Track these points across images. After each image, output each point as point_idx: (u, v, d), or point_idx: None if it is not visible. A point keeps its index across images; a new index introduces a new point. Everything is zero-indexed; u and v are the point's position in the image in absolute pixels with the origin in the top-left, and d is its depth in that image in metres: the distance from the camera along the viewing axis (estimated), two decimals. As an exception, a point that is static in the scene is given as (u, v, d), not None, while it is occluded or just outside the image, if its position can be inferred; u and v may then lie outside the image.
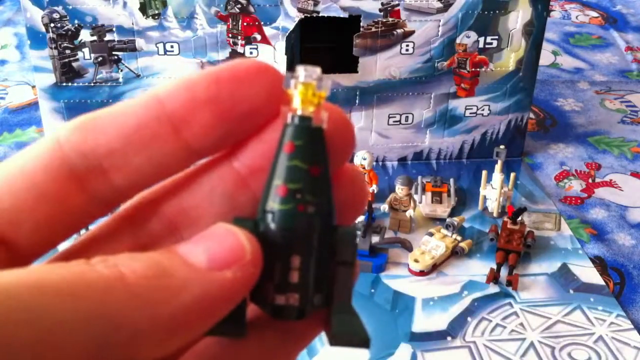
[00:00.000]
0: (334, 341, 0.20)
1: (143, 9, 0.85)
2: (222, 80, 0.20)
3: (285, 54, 0.88)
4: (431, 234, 0.82)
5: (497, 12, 0.89)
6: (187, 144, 0.20)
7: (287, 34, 0.87)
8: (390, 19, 0.88)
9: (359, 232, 0.81)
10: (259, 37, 0.88)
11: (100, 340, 0.16)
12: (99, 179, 0.20)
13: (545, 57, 1.29)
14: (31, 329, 0.15)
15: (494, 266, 0.79)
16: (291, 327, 0.22)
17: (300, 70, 0.21)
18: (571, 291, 0.77)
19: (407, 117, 0.95)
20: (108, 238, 0.22)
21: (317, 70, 0.21)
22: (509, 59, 0.93)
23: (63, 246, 0.21)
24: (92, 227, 0.22)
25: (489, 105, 0.96)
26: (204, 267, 0.18)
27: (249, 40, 0.88)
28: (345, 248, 0.21)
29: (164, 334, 0.17)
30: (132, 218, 0.22)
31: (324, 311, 0.21)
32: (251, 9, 0.86)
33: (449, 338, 0.71)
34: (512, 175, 0.88)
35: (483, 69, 0.93)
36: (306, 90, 0.21)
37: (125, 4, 0.85)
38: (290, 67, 0.89)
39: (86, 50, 0.88)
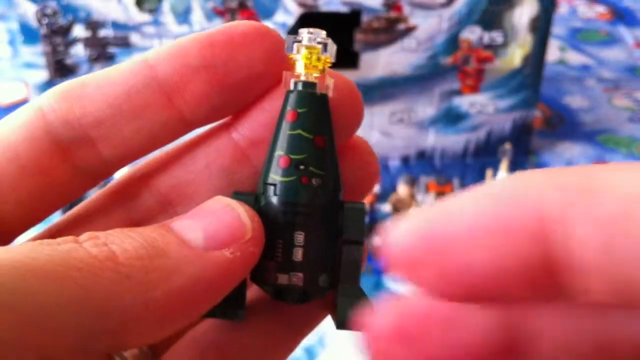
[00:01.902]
0: (340, 325, 0.19)
1: (138, 4, 0.84)
2: (217, 44, 0.19)
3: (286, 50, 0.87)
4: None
5: (503, 6, 0.88)
6: (180, 114, 0.19)
7: (288, 30, 0.86)
8: (392, 14, 0.86)
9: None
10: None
11: (87, 326, 0.15)
12: (86, 150, 0.19)
13: (552, 53, 1.27)
14: (14, 313, 0.14)
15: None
16: (294, 311, 0.21)
17: (304, 33, 0.20)
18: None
19: (409, 115, 0.94)
20: (99, 213, 0.21)
21: (322, 33, 0.20)
22: (515, 55, 0.91)
23: (53, 220, 0.20)
24: (83, 202, 0.21)
25: (494, 103, 0.95)
26: (200, 246, 0.17)
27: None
28: (353, 225, 0.20)
29: (156, 319, 0.16)
30: (124, 193, 0.21)
31: (329, 294, 0.20)
32: (249, 3, 0.84)
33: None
34: (518, 174, 0.86)
35: (488, 66, 0.92)
36: (310, 54, 0.20)
37: (119, -2, 0.84)
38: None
39: (80, 46, 0.86)
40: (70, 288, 0.14)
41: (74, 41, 0.86)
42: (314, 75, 0.20)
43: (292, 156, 0.19)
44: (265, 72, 0.20)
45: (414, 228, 0.14)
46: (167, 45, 0.19)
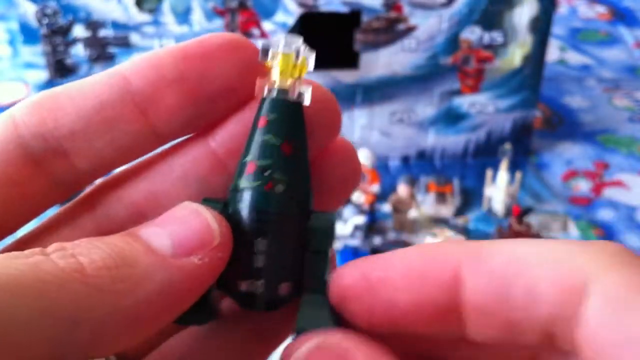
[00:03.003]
0: (297, 332, 0.19)
1: (138, 4, 0.84)
2: (190, 56, 0.19)
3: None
4: (435, 235, 0.80)
5: (503, 6, 0.88)
6: (153, 126, 0.19)
7: (287, 30, 0.86)
8: (392, 14, 0.86)
9: (352, 224, 0.80)
10: (257, 32, 0.86)
11: (59, 337, 0.15)
12: (59, 162, 0.19)
13: (552, 53, 1.27)
14: None
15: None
16: (265, 320, 0.21)
17: (280, 39, 0.20)
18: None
19: (409, 115, 0.94)
20: (69, 224, 0.20)
21: (298, 40, 0.20)
22: (515, 55, 0.91)
23: (22, 232, 0.20)
24: (52, 213, 0.21)
25: (494, 103, 0.94)
26: (168, 253, 0.17)
27: (247, 36, 0.86)
28: (318, 235, 0.20)
29: (126, 327, 0.16)
30: (95, 203, 0.21)
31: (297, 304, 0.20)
32: (249, 3, 0.84)
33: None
34: (518, 174, 0.86)
35: (488, 66, 0.91)
36: (285, 61, 0.20)
37: (119, -2, 0.84)
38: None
39: (80, 46, 0.86)
40: (40, 301, 0.14)
41: (74, 41, 0.86)
42: (288, 83, 0.20)
43: (258, 162, 0.19)
44: (240, 84, 0.20)
45: (357, 270, 0.18)
46: (142, 57, 0.19)
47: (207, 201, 0.19)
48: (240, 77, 0.19)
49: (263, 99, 0.20)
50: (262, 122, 0.19)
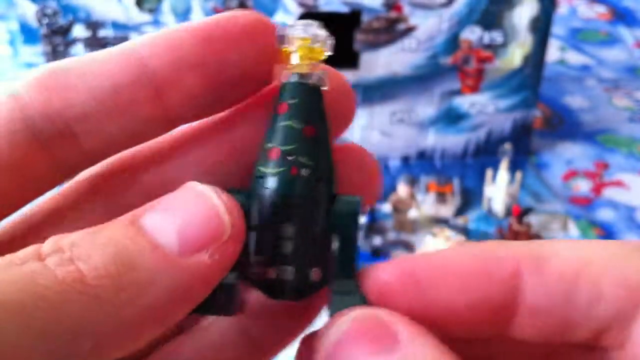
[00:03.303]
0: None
1: (138, 4, 0.84)
2: (213, 39, 0.18)
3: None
4: (435, 235, 0.80)
5: (503, 6, 0.88)
6: (168, 110, 0.18)
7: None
8: (392, 14, 0.86)
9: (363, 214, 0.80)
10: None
11: (59, 351, 0.14)
12: (67, 144, 0.18)
13: (552, 53, 1.27)
14: None
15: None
16: (282, 313, 0.21)
17: (299, 24, 0.20)
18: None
19: (409, 115, 0.94)
20: (74, 208, 0.19)
21: (316, 24, 0.20)
22: (515, 55, 0.91)
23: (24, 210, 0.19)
24: (56, 193, 0.20)
25: (494, 103, 0.94)
26: (175, 251, 0.16)
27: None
28: (344, 218, 0.19)
29: (130, 335, 0.15)
30: (104, 186, 0.20)
31: (323, 291, 0.19)
32: (249, 3, 0.84)
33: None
34: (518, 174, 0.86)
35: (488, 66, 0.91)
36: (304, 46, 0.20)
37: (119, -2, 0.83)
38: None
39: (80, 46, 0.86)
40: (37, 320, 0.14)
41: (74, 41, 0.85)
42: (307, 67, 0.20)
43: (281, 147, 0.19)
44: (261, 69, 0.19)
45: (400, 267, 0.18)
46: (159, 37, 0.18)
47: (232, 191, 0.18)
48: (261, 62, 0.19)
49: (283, 85, 0.20)
50: (282, 108, 0.19)
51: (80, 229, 0.16)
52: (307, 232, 0.19)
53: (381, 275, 0.18)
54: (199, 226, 0.16)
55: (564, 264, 0.17)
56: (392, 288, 0.18)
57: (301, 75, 0.20)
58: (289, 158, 0.19)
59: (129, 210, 0.18)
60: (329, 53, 0.20)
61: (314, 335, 0.18)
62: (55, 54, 0.86)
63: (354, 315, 0.17)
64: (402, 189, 0.82)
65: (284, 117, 0.19)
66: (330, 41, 0.20)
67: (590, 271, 0.17)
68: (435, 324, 0.17)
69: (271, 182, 0.19)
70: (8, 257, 0.15)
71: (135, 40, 0.18)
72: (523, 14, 0.89)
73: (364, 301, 0.18)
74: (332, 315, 0.18)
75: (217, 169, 0.20)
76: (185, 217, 0.16)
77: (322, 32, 0.20)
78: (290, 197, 0.19)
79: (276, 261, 0.19)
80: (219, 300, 0.18)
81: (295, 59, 0.20)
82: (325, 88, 0.20)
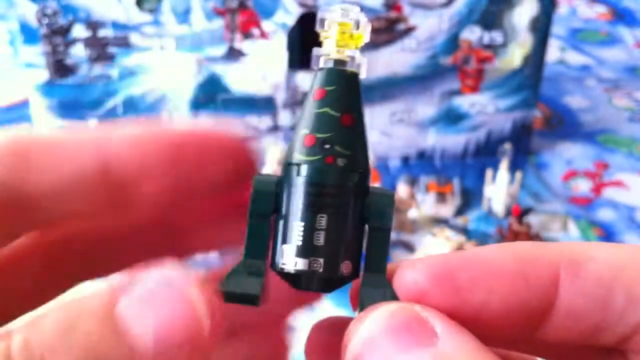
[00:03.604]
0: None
1: (138, 4, 0.84)
2: (183, 156, 0.18)
3: (288, 49, 0.87)
4: (435, 235, 0.80)
5: (503, 6, 0.87)
6: (127, 208, 0.18)
7: (288, 30, 0.86)
8: (392, 14, 0.86)
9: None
10: (257, 32, 0.86)
11: None
12: (20, 214, 0.18)
13: (552, 53, 1.27)
14: None
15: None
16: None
17: (337, 8, 0.19)
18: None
19: (409, 115, 0.93)
20: (26, 265, 0.19)
21: (356, 9, 0.19)
22: (515, 55, 0.91)
23: None
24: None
25: (494, 103, 0.94)
26: (149, 354, 0.15)
27: (247, 36, 0.86)
28: (379, 211, 0.19)
29: None
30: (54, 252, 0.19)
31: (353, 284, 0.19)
32: (249, 3, 0.84)
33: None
34: (518, 174, 0.86)
35: (488, 66, 0.91)
36: (342, 31, 0.19)
37: (119, -2, 0.83)
38: (291, 64, 0.87)
39: (80, 46, 0.86)
40: None
41: (74, 41, 0.85)
42: (345, 53, 0.19)
43: (317, 135, 0.18)
44: (233, 185, 0.19)
45: (435, 267, 0.17)
46: (131, 137, 0.18)
47: (260, 177, 0.18)
48: (232, 181, 0.19)
49: (318, 70, 0.19)
50: (319, 94, 0.19)
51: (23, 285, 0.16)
52: (340, 224, 0.18)
53: (414, 275, 0.17)
54: (177, 328, 0.15)
55: (600, 268, 0.17)
56: (426, 288, 0.17)
57: (339, 61, 0.19)
58: (325, 146, 0.18)
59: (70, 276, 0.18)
60: (367, 39, 0.20)
61: (332, 326, 0.18)
62: (55, 54, 0.86)
63: (392, 309, 0.16)
64: (402, 189, 0.82)
65: (320, 104, 0.19)
66: (369, 27, 0.20)
67: (625, 276, 0.17)
68: (466, 324, 0.17)
69: (305, 170, 0.18)
70: None
71: (108, 133, 0.18)
72: (523, 14, 0.88)
73: (396, 297, 0.18)
74: (363, 308, 0.17)
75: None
76: (163, 316, 0.15)
77: (362, 18, 0.19)
78: (324, 186, 0.18)
79: (307, 252, 0.18)
80: (247, 288, 0.18)
81: (332, 44, 0.19)
82: (362, 75, 0.19)
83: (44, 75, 0.87)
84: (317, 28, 0.19)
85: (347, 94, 0.19)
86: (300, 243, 0.18)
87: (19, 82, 1.12)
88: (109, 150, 0.18)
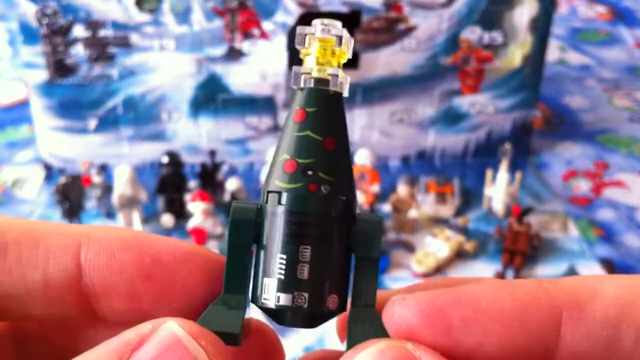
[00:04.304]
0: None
1: (138, 4, 0.83)
2: (154, 276, 0.18)
3: (288, 49, 0.87)
4: (435, 235, 0.80)
5: (503, 6, 0.87)
6: (94, 312, 0.18)
7: (288, 30, 0.86)
8: (392, 14, 0.86)
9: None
10: (257, 32, 0.86)
11: None
12: None
13: (552, 53, 1.27)
14: None
15: (500, 268, 0.77)
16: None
17: (317, 24, 0.18)
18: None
19: (409, 115, 0.93)
20: None
21: (337, 24, 0.18)
22: (515, 55, 0.91)
23: None
24: None
25: (494, 103, 0.94)
26: None
27: (247, 36, 0.86)
28: (367, 240, 0.18)
29: None
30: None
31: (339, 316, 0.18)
32: (249, 3, 0.84)
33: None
34: (518, 174, 0.86)
35: (488, 66, 0.91)
36: (324, 47, 0.18)
37: (119, -2, 0.83)
38: (291, 64, 0.87)
39: (80, 46, 0.85)
40: None
41: (74, 41, 0.85)
42: (327, 72, 0.18)
43: (299, 160, 0.17)
44: (198, 295, 0.19)
45: (428, 304, 0.16)
46: (103, 249, 0.18)
47: (238, 204, 0.17)
48: (205, 292, 0.18)
49: (297, 90, 0.18)
50: (299, 116, 0.18)
51: None
52: (325, 256, 0.17)
53: (403, 311, 0.16)
54: None
55: (607, 306, 0.16)
56: (416, 326, 0.16)
57: (320, 81, 0.18)
58: (308, 173, 0.17)
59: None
60: (349, 56, 0.18)
61: (313, 357, 0.17)
62: (55, 54, 0.85)
63: (380, 348, 0.15)
64: (402, 189, 0.82)
65: (302, 127, 0.17)
66: (352, 41, 0.18)
67: (635, 312, 0.16)
68: None
69: (287, 199, 0.17)
70: None
71: (88, 234, 0.18)
72: (523, 14, 0.88)
73: (386, 333, 0.16)
74: (352, 345, 0.16)
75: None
76: None
77: (345, 34, 0.18)
78: (307, 215, 0.17)
79: (290, 287, 0.17)
80: (226, 326, 0.16)
81: (312, 62, 0.18)
82: (345, 93, 0.18)
83: (43, 75, 0.87)
84: (297, 44, 0.18)
85: (329, 115, 0.18)
86: (282, 277, 0.17)
87: (19, 82, 1.12)
88: (86, 255, 0.17)
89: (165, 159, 0.83)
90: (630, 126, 1.08)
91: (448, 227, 0.82)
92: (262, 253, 0.17)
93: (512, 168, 0.89)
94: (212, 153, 0.88)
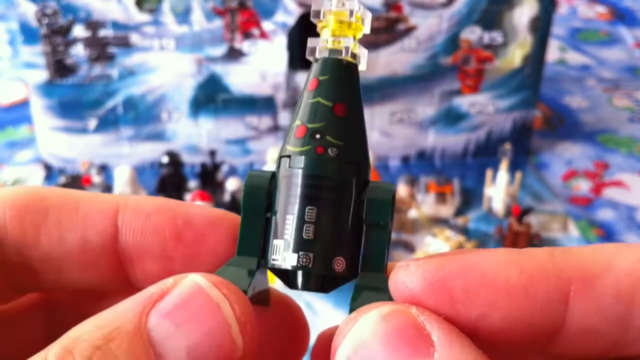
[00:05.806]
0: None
1: (138, 4, 0.83)
2: (185, 239, 0.18)
3: (288, 49, 0.87)
4: (435, 235, 0.80)
5: (503, 6, 0.87)
6: (128, 277, 0.19)
7: (288, 30, 0.85)
8: (392, 14, 0.86)
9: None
10: (257, 32, 0.86)
11: None
12: (26, 275, 0.18)
13: (552, 53, 1.27)
14: None
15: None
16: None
17: None
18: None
19: (409, 115, 0.93)
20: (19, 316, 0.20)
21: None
22: (515, 55, 0.91)
23: None
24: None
25: (494, 103, 0.94)
26: None
27: (247, 36, 0.86)
28: (377, 206, 0.18)
29: None
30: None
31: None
32: (249, 3, 0.84)
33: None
34: (518, 174, 0.86)
35: (488, 66, 0.91)
36: (339, 20, 0.18)
37: (119, -2, 0.83)
38: (291, 64, 0.87)
39: (80, 46, 0.85)
40: None
41: (74, 41, 0.85)
42: (342, 43, 0.18)
43: (308, 125, 0.18)
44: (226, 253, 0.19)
45: (430, 273, 0.16)
46: (139, 211, 0.18)
47: (254, 172, 0.18)
48: (224, 255, 0.19)
49: (314, 60, 0.18)
50: (312, 84, 0.18)
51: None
52: (331, 218, 0.17)
53: (407, 278, 0.16)
54: (210, 348, 0.15)
55: (618, 281, 0.15)
56: (419, 294, 0.16)
57: (334, 51, 0.18)
58: (316, 136, 0.18)
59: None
60: (367, 30, 0.19)
61: (331, 332, 0.17)
62: (55, 54, 0.85)
63: (383, 312, 0.15)
64: (402, 189, 0.82)
65: (314, 94, 0.18)
66: (369, 17, 0.19)
67: None
68: (465, 333, 0.15)
69: (295, 161, 0.18)
70: None
71: (120, 200, 0.18)
72: (523, 14, 0.88)
73: (391, 297, 0.16)
74: (353, 309, 0.16)
75: None
76: (195, 335, 0.15)
77: (360, 6, 0.19)
78: (314, 177, 0.17)
79: (296, 247, 0.17)
80: (235, 282, 0.17)
81: (327, 34, 0.18)
82: (361, 66, 0.19)
83: (44, 75, 0.87)
84: (313, 18, 0.18)
85: (341, 83, 0.18)
86: (289, 237, 0.17)
87: (19, 82, 1.12)
88: (123, 218, 0.18)
89: (165, 159, 0.83)
90: (630, 126, 1.08)
91: (448, 227, 0.82)
92: (274, 218, 0.18)
93: (512, 168, 0.89)
94: (212, 153, 0.88)
